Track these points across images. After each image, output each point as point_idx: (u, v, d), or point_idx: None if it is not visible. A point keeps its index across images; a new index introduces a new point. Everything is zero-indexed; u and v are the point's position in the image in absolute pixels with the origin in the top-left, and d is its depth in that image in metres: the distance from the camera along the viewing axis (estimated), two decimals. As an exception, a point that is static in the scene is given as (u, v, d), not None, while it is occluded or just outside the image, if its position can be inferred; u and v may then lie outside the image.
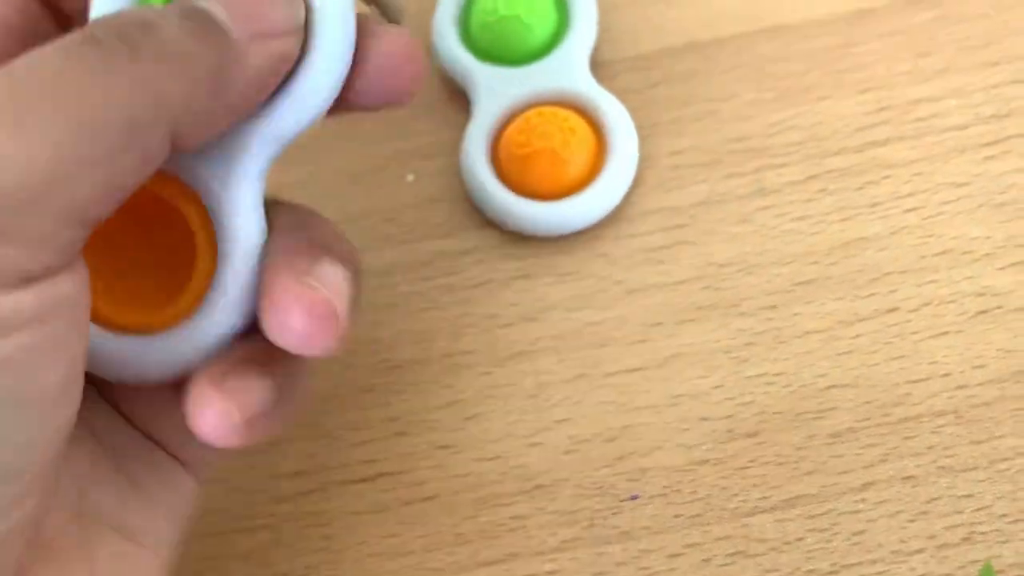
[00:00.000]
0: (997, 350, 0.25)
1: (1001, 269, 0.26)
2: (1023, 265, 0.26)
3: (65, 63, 0.15)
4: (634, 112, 0.28)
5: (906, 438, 0.24)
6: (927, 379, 0.25)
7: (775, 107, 0.28)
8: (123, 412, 0.21)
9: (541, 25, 0.29)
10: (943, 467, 0.24)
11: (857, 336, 0.25)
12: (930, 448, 0.24)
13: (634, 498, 0.24)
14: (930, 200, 0.27)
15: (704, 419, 0.25)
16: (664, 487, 0.24)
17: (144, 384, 0.20)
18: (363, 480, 0.25)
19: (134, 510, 0.20)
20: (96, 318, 0.19)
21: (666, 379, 0.25)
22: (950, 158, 0.27)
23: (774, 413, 0.25)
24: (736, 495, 0.24)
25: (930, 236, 0.26)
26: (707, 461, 0.24)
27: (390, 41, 0.19)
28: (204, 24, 0.17)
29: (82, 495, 0.19)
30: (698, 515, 0.24)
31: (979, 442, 0.24)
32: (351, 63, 0.19)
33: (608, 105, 0.28)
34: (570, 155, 0.27)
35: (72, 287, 0.16)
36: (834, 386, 0.25)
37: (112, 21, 0.16)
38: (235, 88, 0.17)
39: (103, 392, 0.21)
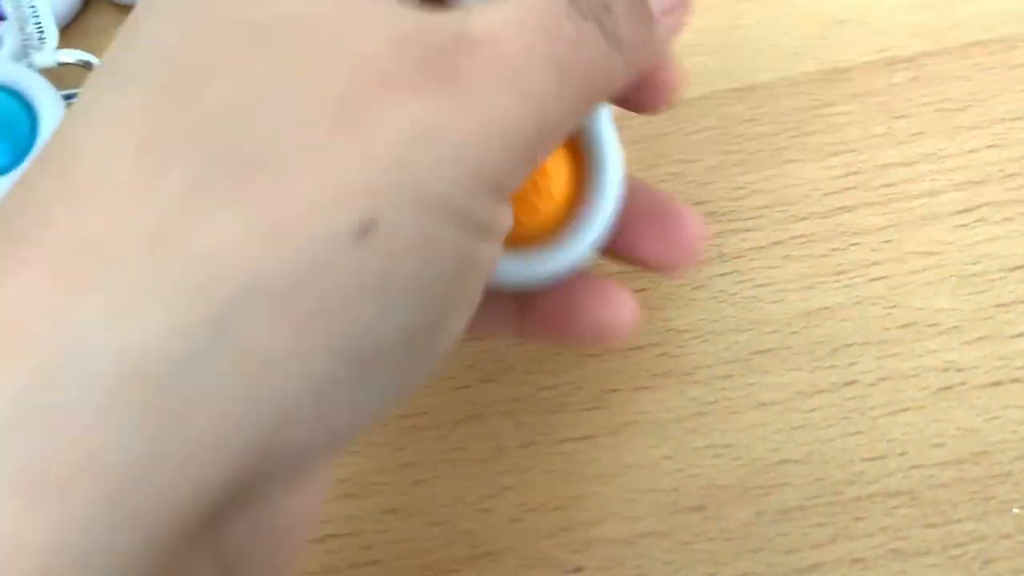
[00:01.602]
0: (957, 428, 0.24)
1: (967, 343, 0.25)
2: (990, 340, 0.25)
3: (569, 22, 0.17)
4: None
5: (857, 518, 0.23)
6: (883, 457, 0.24)
7: (741, 170, 0.28)
8: None
9: None
10: (894, 550, 0.23)
11: (813, 409, 0.25)
12: (882, 529, 0.23)
13: (577, 571, 0.24)
14: (898, 269, 0.26)
15: (651, 490, 0.25)
16: (607, 559, 0.24)
17: (522, 291, 0.23)
18: (312, 540, 0.25)
19: None
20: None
21: (616, 447, 0.25)
22: (921, 226, 0.27)
23: (721, 486, 0.24)
24: (679, 570, 0.24)
25: (895, 307, 0.26)
26: (652, 534, 0.24)
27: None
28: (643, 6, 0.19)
29: None
30: (641, 590, 0.24)
31: (934, 525, 0.23)
32: None
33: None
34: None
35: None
36: (786, 461, 0.24)
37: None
38: (646, 51, 0.19)
39: None
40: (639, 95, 0.22)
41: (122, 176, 0.14)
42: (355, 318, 0.14)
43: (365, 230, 0.14)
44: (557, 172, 0.23)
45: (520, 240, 0.24)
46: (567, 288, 0.23)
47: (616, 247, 0.23)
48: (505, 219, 0.17)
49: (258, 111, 0.14)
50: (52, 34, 0.31)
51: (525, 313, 0.23)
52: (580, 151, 0.23)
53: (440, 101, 0.15)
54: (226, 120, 0.14)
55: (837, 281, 0.26)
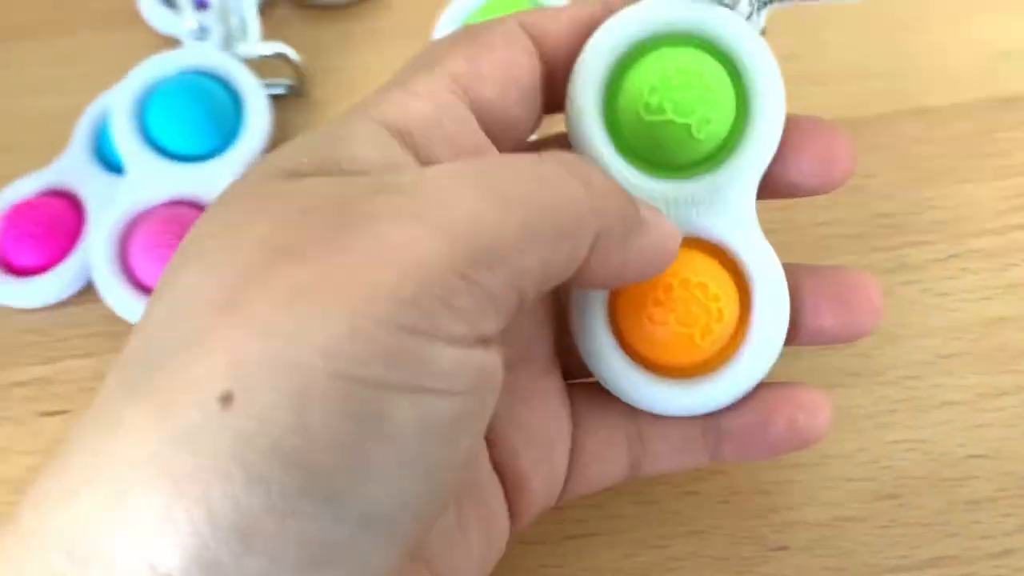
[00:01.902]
0: None
1: None
2: None
3: (537, 162, 0.18)
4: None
5: (1044, 510, 0.26)
6: (1063, 456, 0.26)
7: (918, 186, 0.30)
8: (494, 447, 0.22)
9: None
10: (1079, 540, 0.25)
11: (997, 410, 0.27)
12: (1067, 521, 0.26)
13: (782, 549, 0.26)
14: (1066, 285, 0.28)
15: (848, 479, 0.27)
16: (810, 540, 0.26)
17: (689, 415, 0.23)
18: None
19: (454, 555, 0.21)
20: (646, 365, 0.23)
21: (815, 439, 0.27)
22: (1086, 245, 0.29)
23: (913, 477, 0.26)
24: (879, 552, 0.26)
25: (1066, 319, 0.28)
26: (851, 518, 0.26)
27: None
28: (621, 187, 0.20)
29: (421, 547, 0.20)
30: (843, 568, 0.26)
31: (1113, 518, 0.25)
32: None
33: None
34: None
35: (498, 367, 0.17)
36: (973, 456, 0.26)
37: (571, 153, 0.20)
38: (634, 247, 0.20)
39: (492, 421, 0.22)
40: (806, 175, 0.23)
41: None
42: (227, 486, 0.14)
43: (228, 399, 0.14)
44: (726, 293, 0.23)
45: (699, 366, 0.23)
46: (755, 400, 0.23)
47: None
48: (456, 360, 0.16)
49: (178, 306, 0.16)
50: (255, 26, 0.33)
51: (716, 435, 0.23)
52: (741, 271, 0.23)
53: (324, 263, 0.15)
54: (155, 323, 0.16)
55: (1012, 293, 0.28)
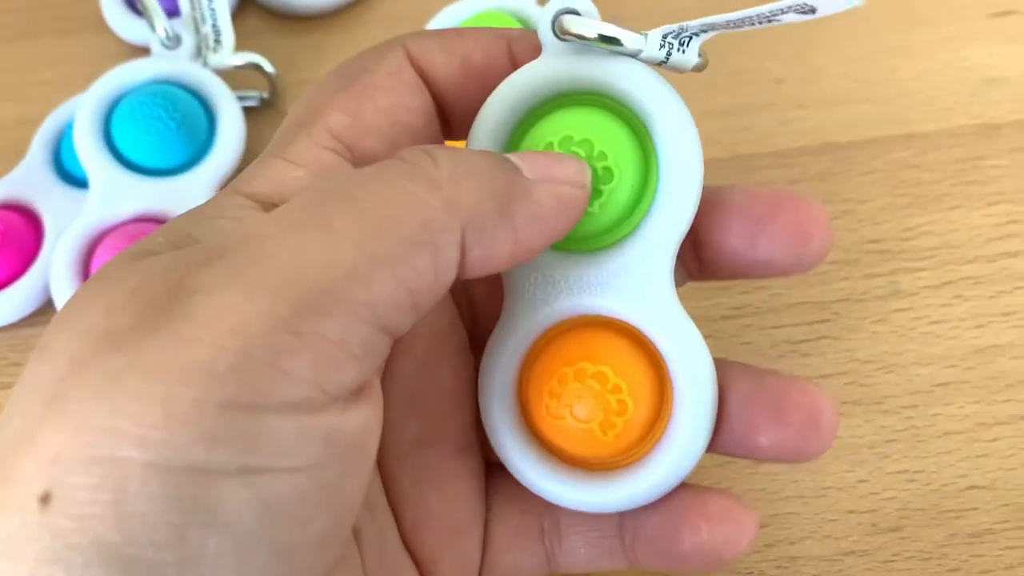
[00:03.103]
0: None
1: None
2: None
3: (361, 176, 0.16)
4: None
5: (1045, 543, 0.25)
6: (1062, 486, 0.26)
7: (908, 212, 0.30)
8: (406, 523, 0.21)
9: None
10: (1080, 573, 0.25)
11: (994, 440, 0.27)
12: (1067, 554, 0.25)
13: (783, 585, 0.25)
14: (1059, 313, 0.28)
15: (850, 512, 0.26)
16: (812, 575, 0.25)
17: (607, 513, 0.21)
18: None
19: None
20: (558, 455, 0.21)
21: (814, 470, 0.26)
22: (1076, 273, 0.29)
23: (916, 510, 0.26)
24: (882, 588, 0.25)
25: (1060, 348, 0.28)
26: (853, 552, 0.25)
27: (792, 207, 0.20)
28: (500, 158, 0.18)
29: None
30: (845, 605, 0.25)
31: (1113, 551, 0.25)
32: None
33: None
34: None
35: (361, 422, 0.16)
36: (974, 487, 0.26)
37: (421, 145, 0.17)
38: (523, 213, 0.17)
39: (392, 500, 0.21)
40: (778, 252, 0.20)
41: None
42: None
43: (46, 499, 0.14)
44: (632, 382, 0.20)
45: (612, 459, 0.21)
46: (667, 502, 0.20)
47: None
48: (295, 431, 0.15)
49: (17, 400, 0.15)
50: (229, 35, 0.32)
51: (632, 536, 0.21)
52: (660, 359, 0.20)
53: (139, 347, 0.14)
54: (3, 418, 0.15)
55: (1005, 321, 0.28)
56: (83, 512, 0.14)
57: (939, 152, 0.31)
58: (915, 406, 0.27)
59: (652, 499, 0.20)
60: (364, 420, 0.16)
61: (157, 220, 0.29)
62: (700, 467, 0.22)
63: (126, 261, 0.17)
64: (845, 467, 0.26)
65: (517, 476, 0.21)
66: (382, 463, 0.21)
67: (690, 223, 0.20)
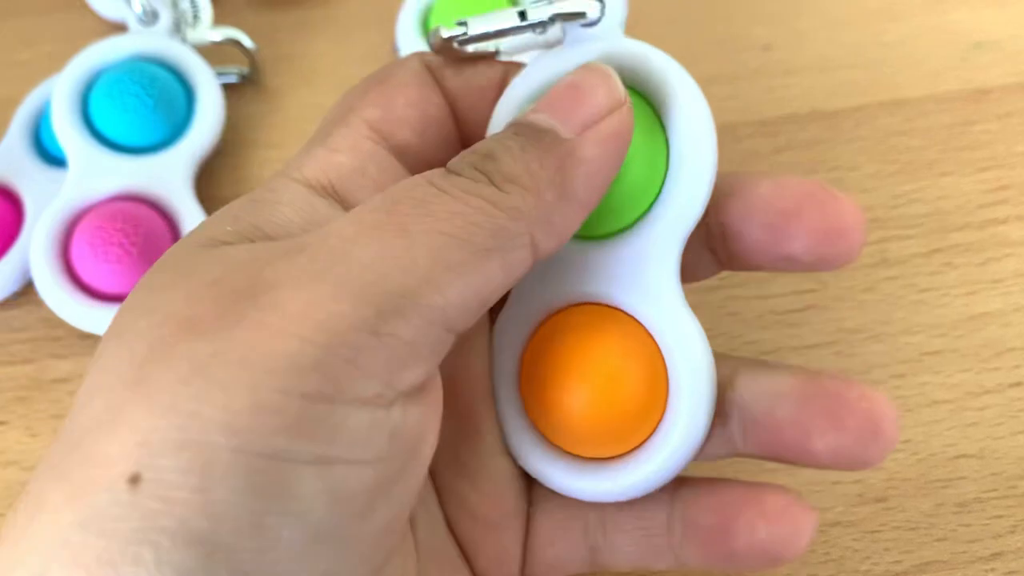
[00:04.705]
0: (1118, 429, 0.26)
1: (1119, 349, 0.27)
2: None
3: (430, 188, 0.17)
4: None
5: (1033, 511, 0.25)
6: (1051, 454, 0.26)
7: (897, 179, 0.30)
8: (448, 513, 0.21)
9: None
10: (1069, 541, 0.25)
11: (983, 408, 0.26)
12: (1056, 521, 0.25)
13: (769, 556, 0.25)
14: (1049, 279, 0.28)
15: (836, 482, 0.26)
16: (798, 547, 0.25)
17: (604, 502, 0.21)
18: None
19: None
20: (560, 442, 0.21)
21: (799, 441, 0.26)
22: (1067, 239, 0.28)
23: (903, 480, 0.26)
24: (868, 558, 0.25)
25: (1050, 314, 0.27)
26: (839, 523, 0.25)
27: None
28: (535, 135, 0.18)
29: None
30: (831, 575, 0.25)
31: (1103, 518, 0.25)
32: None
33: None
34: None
35: (423, 418, 0.16)
36: (962, 456, 0.26)
37: (464, 156, 0.18)
38: (579, 180, 0.18)
39: (440, 490, 0.21)
40: (804, 249, 0.20)
41: None
42: (137, 570, 0.14)
43: (136, 480, 0.14)
44: (631, 372, 0.20)
45: (610, 447, 0.21)
46: (720, 497, 0.20)
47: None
48: (367, 424, 0.15)
49: (95, 383, 0.16)
50: (207, 11, 0.31)
51: (681, 533, 0.21)
52: (658, 350, 0.20)
53: (225, 336, 0.15)
54: (80, 400, 0.16)
55: (995, 288, 0.28)
56: (172, 495, 0.14)
57: (928, 118, 0.30)
58: (903, 375, 0.27)
59: (649, 490, 0.20)
60: (425, 416, 0.17)
61: (136, 198, 0.29)
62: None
63: (198, 249, 0.17)
64: (831, 437, 0.26)
65: (520, 462, 0.21)
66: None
67: (699, 215, 0.20)
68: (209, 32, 0.31)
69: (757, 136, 0.30)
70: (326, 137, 0.20)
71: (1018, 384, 0.26)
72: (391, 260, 0.16)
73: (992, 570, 0.24)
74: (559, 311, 0.21)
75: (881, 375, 0.27)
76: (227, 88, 0.31)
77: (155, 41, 0.31)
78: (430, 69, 0.21)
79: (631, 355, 0.20)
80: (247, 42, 0.32)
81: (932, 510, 0.25)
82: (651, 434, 0.20)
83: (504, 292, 0.17)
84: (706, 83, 0.20)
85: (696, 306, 0.28)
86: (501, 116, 0.20)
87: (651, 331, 0.20)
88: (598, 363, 0.20)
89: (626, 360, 0.20)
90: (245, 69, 0.32)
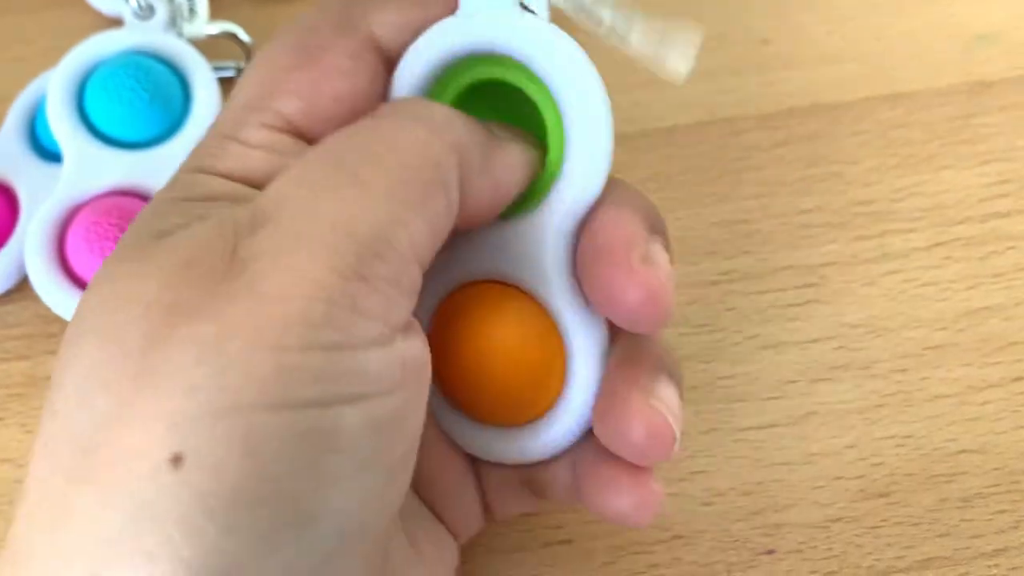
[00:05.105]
0: (1121, 423, 0.26)
1: (1122, 344, 0.27)
2: None
3: (378, 124, 0.18)
4: (760, 170, 0.29)
5: (1036, 506, 0.25)
6: (1054, 449, 0.25)
7: (898, 173, 0.29)
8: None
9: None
10: (1072, 536, 0.24)
11: (985, 403, 0.26)
12: (1059, 517, 0.25)
13: (769, 553, 0.25)
14: (1052, 273, 0.28)
15: (837, 478, 0.25)
16: (799, 543, 0.25)
17: (503, 463, 0.22)
18: (504, 520, 0.25)
19: (417, 572, 0.20)
20: (464, 410, 0.22)
21: (800, 436, 0.26)
22: (1070, 233, 0.28)
23: (905, 475, 0.25)
24: (870, 554, 0.25)
25: (1053, 309, 0.27)
26: (841, 519, 0.25)
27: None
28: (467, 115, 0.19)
29: (386, 558, 0.19)
30: (833, 572, 0.24)
31: (1106, 513, 0.25)
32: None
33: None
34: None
35: (421, 350, 0.17)
36: (964, 451, 0.26)
37: (394, 102, 0.19)
38: (499, 165, 0.19)
39: None
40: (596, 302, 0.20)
41: None
42: (200, 543, 0.14)
43: (178, 460, 0.14)
44: (532, 348, 0.21)
45: (516, 413, 0.22)
46: (575, 470, 0.21)
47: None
48: (382, 359, 0.16)
49: (88, 384, 0.16)
50: (203, 5, 0.31)
51: (539, 492, 0.22)
52: (553, 322, 0.21)
53: (223, 314, 0.15)
54: (70, 404, 0.16)
55: (996, 282, 0.28)
56: (218, 463, 0.14)
57: (929, 111, 0.30)
58: (905, 370, 0.27)
59: (557, 452, 0.21)
60: (421, 344, 0.18)
61: (132, 193, 0.29)
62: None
63: (153, 240, 0.17)
64: (833, 433, 0.26)
65: (443, 429, 0.22)
66: None
67: (596, 195, 0.20)
68: (205, 26, 0.31)
69: (757, 130, 0.30)
70: (238, 127, 0.19)
71: (1020, 378, 0.26)
72: (354, 210, 0.16)
73: (995, 566, 0.24)
74: (461, 288, 0.21)
75: (882, 369, 0.27)
76: (224, 82, 0.31)
77: (151, 35, 0.30)
78: (375, 43, 0.20)
79: (532, 329, 0.21)
80: (243, 36, 0.31)
81: (934, 505, 0.25)
82: (555, 400, 0.21)
83: (443, 239, 0.18)
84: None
85: (695, 301, 0.28)
86: (397, 91, 0.20)
87: (546, 307, 0.21)
88: (495, 339, 0.21)
89: (529, 334, 0.21)
90: (242, 63, 0.32)
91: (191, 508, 0.14)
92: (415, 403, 0.17)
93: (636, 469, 0.20)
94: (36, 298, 0.28)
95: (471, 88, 0.20)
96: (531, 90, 0.20)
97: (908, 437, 0.26)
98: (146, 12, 0.31)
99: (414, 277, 0.17)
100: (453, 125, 0.18)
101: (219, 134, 0.20)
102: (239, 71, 0.32)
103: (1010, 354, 0.27)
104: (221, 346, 0.15)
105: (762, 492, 0.25)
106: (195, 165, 0.19)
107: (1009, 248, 0.28)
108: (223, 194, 0.18)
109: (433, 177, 0.17)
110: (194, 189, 0.19)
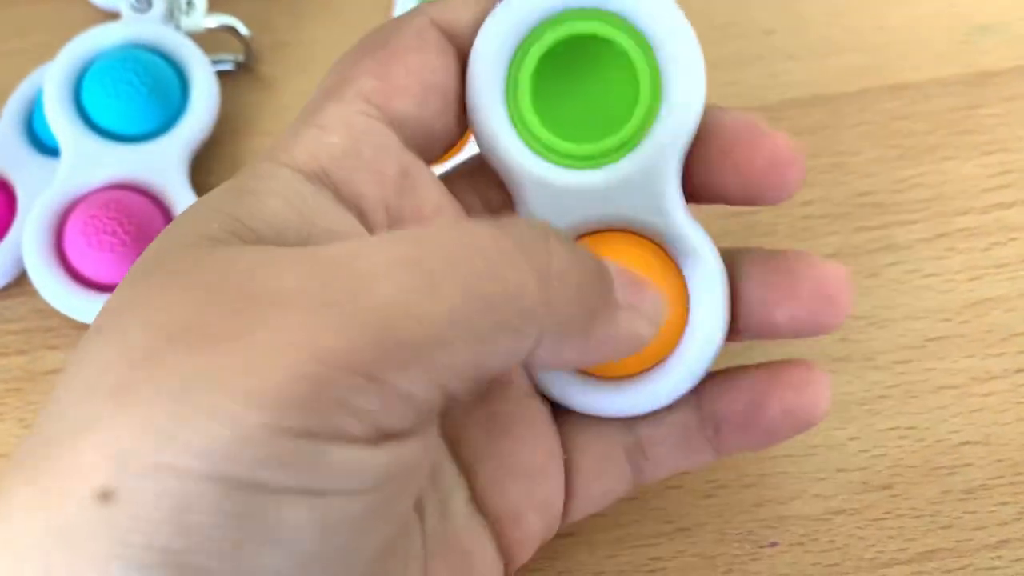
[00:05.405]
0: (1125, 415, 0.25)
1: (1126, 334, 0.27)
2: None
3: (487, 241, 0.16)
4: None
5: (1040, 498, 0.25)
6: (1057, 440, 0.25)
7: (900, 164, 0.29)
8: (474, 487, 0.21)
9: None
10: (1076, 528, 0.24)
11: (989, 394, 0.26)
12: (1062, 508, 0.25)
13: (772, 546, 0.25)
14: (1055, 264, 0.28)
15: (840, 470, 0.25)
16: (801, 535, 0.25)
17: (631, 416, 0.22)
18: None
19: None
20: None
21: (803, 428, 0.26)
22: (1073, 223, 0.28)
23: (908, 467, 0.25)
24: (873, 546, 0.24)
25: (1056, 300, 0.27)
26: (843, 511, 0.25)
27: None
28: (602, 268, 0.18)
29: None
30: (835, 564, 0.24)
31: (1110, 504, 0.25)
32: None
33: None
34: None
35: (415, 456, 0.16)
36: (967, 442, 0.25)
37: (541, 224, 0.18)
38: (597, 337, 0.18)
39: (466, 461, 0.21)
40: (750, 186, 0.20)
41: None
42: None
43: (107, 496, 0.14)
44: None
45: (638, 364, 0.22)
46: (745, 384, 0.21)
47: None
48: (355, 459, 0.15)
49: (77, 386, 0.15)
50: (201, -3, 0.31)
51: (714, 428, 0.22)
52: (673, 265, 0.21)
53: (216, 352, 0.14)
54: (58, 401, 0.15)
55: (1000, 273, 0.27)
56: (146, 515, 0.13)
57: (931, 102, 0.30)
58: (908, 361, 0.26)
59: (682, 394, 0.21)
60: (415, 452, 0.16)
61: (130, 187, 0.28)
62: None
63: (189, 249, 0.17)
64: (835, 424, 0.26)
65: (551, 392, 0.22)
66: (450, 425, 0.21)
67: (694, 128, 0.20)
68: (203, 19, 0.31)
69: (758, 121, 0.30)
70: (316, 113, 0.19)
71: (1023, 370, 0.26)
72: (408, 305, 0.15)
73: (998, 558, 0.24)
74: (575, 239, 0.21)
75: (885, 361, 0.26)
76: (222, 76, 0.31)
77: (149, 28, 0.30)
78: (439, 26, 0.20)
79: (652, 273, 0.21)
80: (242, 29, 0.31)
81: (937, 497, 0.25)
82: (675, 345, 0.21)
83: (495, 376, 0.17)
84: (708, 68, 0.20)
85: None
86: (482, 47, 0.20)
87: (664, 246, 0.21)
88: None
89: (648, 277, 0.20)
90: (240, 56, 0.32)
91: (105, 548, 0.13)
92: (387, 512, 0.16)
93: (802, 364, 0.21)
94: (34, 293, 0.28)
95: (548, 54, 0.21)
96: (620, 39, 0.20)
97: (911, 429, 0.26)
98: (143, 5, 0.30)
99: (431, 399, 0.15)
100: (566, 282, 0.17)
101: (298, 124, 0.20)
102: (237, 64, 0.32)
103: (1013, 345, 0.26)
104: (193, 391, 0.14)
105: (765, 484, 0.25)
106: (266, 155, 0.19)
107: (1012, 239, 0.28)
108: (277, 193, 0.18)
109: (511, 324, 0.16)
110: (248, 186, 0.18)
